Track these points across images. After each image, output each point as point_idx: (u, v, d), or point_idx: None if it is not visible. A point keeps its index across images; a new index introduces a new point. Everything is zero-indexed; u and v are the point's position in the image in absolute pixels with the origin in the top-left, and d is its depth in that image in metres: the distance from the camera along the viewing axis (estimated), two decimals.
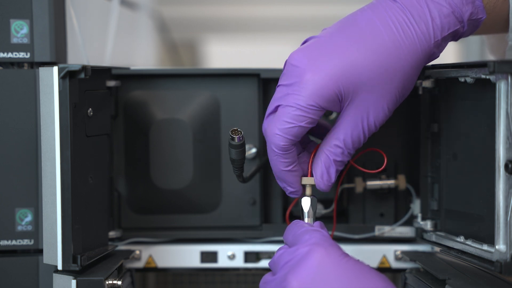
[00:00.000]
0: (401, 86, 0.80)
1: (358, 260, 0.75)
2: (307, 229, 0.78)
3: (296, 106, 0.78)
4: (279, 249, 0.79)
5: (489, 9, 0.83)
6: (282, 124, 0.79)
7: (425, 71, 0.89)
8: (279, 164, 0.81)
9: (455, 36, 0.82)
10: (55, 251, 0.80)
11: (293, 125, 0.79)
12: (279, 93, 0.80)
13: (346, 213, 0.96)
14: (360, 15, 0.81)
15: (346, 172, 0.96)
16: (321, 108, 0.79)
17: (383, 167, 0.87)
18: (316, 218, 0.83)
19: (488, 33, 0.95)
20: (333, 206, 0.93)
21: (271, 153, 0.81)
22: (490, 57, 1.04)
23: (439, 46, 0.81)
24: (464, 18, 0.81)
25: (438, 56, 0.82)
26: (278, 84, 0.81)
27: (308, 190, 0.83)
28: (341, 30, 0.80)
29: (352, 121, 0.80)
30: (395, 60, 0.79)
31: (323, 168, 0.82)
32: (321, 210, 0.95)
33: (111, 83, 0.92)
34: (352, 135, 0.80)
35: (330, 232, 0.93)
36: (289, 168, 0.81)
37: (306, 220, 0.82)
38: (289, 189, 0.83)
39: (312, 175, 0.83)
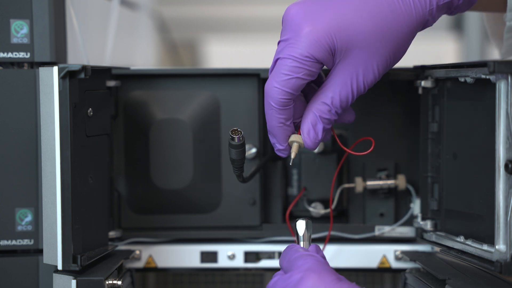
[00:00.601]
0: (394, 50, 0.81)
1: (352, 284, 0.74)
2: (301, 254, 0.77)
3: (292, 58, 0.79)
4: (274, 275, 0.79)
5: None
6: (279, 77, 0.80)
7: (425, 70, 0.89)
8: (274, 119, 0.81)
9: (450, 7, 0.82)
10: (55, 251, 0.80)
11: (290, 76, 0.79)
12: (278, 48, 0.81)
13: (346, 213, 0.96)
14: None
15: (346, 172, 0.96)
16: (316, 60, 0.79)
17: (370, 149, 0.86)
18: (311, 240, 0.82)
19: (486, 11, 0.94)
20: (333, 205, 0.93)
21: (268, 107, 0.81)
22: (491, 45, 1.04)
23: (434, 15, 0.82)
24: None
25: (431, 25, 0.83)
26: (278, 40, 0.82)
27: (295, 148, 0.82)
28: None
29: (342, 79, 0.81)
30: (390, 23, 0.80)
31: (310, 125, 0.82)
32: (321, 210, 0.95)
33: (111, 83, 0.92)
34: (340, 94, 0.81)
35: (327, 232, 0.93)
36: (283, 124, 0.81)
37: (301, 244, 0.81)
38: (277, 146, 0.83)
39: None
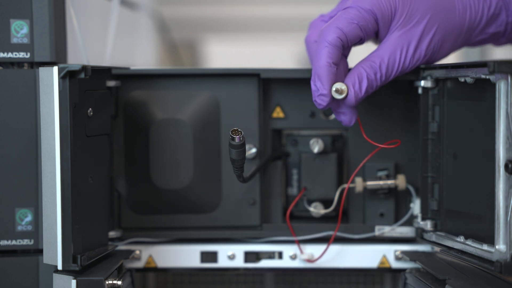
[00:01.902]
0: (445, 37, 0.87)
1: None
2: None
3: (359, 8, 0.85)
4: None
5: None
6: (341, 21, 0.85)
7: (425, 70, 0.89)
8: (324, 58, 0.84)
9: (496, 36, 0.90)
10: (55, 251, 0.80)
11: (352, 22, 0.84)
12: (339, 8, 0.88)
13: (346, 213, 0.96)
14: None
15: (346, 171, 0.96)
16: (375, 16, 0.85)
17: (390, 143, 0.89)
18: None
19: None
20: (334, 206, 0.93)
21: (321, 45, 0.84)
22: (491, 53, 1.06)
23: (480, 34, 0.90)
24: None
25: (475, 44, 0.91)
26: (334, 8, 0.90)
27: (341, 91, 0.85)
28: None
29: (393, 47, 0.86)
30: (452, 8, 0.87)
31: (356, 78, 0.86)
32: (321, 210, 0.95)
33: (111, 83, 0.92)
34: (389, 60, 0.86)
35: (332, 233, 0.93)
36: (331, 64, 0.84)
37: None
38: (321, 90, 0.85)
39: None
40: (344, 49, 0.85)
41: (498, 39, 0.92)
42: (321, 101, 0.85)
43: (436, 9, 0.86)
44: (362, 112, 0.93)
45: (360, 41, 0.87)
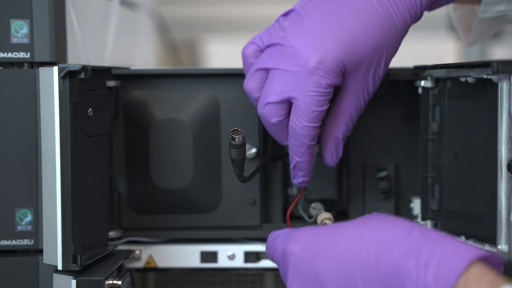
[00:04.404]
0: (393, 54, 0.83)
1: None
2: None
3: (317, 92, 0.80)
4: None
5: None
6: (307, 115, 0.81)
7: (425, 70, 0.89)
8: (308, 154, 0.84)
9: (434, 3, 0.85)
10: (55, 251, 0.80)
11: (318, 111, 0.81)
12: (287, 78, 0.81)
13: (346, 213, 0.96)
14: None
15: (346, 172, 0.96)
16: (334, 85, 0.81)
17: None
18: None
19: (462, 2, 0.96)
20: (334, 207, 0.93)
21: (301, 145, 0.83)
22: (458, 28, 1.05)
23: (422, 13, 0.84)
24: None
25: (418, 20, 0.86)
26: (277, 66, 0.82)
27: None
28: (335, 7, 0.82)
29: (355, 96, 0.83)
30: (391, 33, 0.81)
31: (332, 148, 0.85)
32: (321, 210, 0.94)
33: (111, 83, 0.92)
34: (356, 109, 0.84)
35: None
36: (313, 156, 0.85)
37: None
38: (306, 178, 0.86)
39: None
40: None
41: None
42: (304, 185, 0.88)
43: (381, 36, 0.82)
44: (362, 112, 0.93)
45: None
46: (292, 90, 0.81)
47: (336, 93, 0.84)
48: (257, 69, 0.84)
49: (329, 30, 0.80)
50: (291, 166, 0.86)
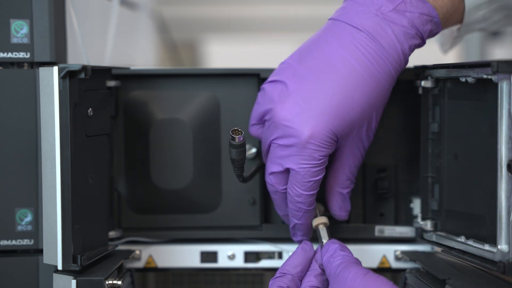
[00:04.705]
0: (382, 107, 0.85)
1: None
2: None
3: (311, 164, 0.83)
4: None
5: (442, 22, 0.86)
6: (303, 185, 0.84)
7: (425, 70, 0.89)
8: (306, 218, 0.87)
9: (419, 46, 0.86)
10: (55, 251, 0.80)
11: (313, 180, 0.84)
12: (283, 151, 0.84)
13: None
14: (331, 51, 0.83)
15: None
16: (328, 154, 0.83)
17: None
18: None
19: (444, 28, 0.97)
20: None
21: (298, 210, 0.86)
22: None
23: (407, 61, 0.86)
24: (425, 36, 0.85)
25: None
26: (273, 140, 0.85)
27: (325, 232, 0.87)
28: (317, 76, 0.83)
29: (351, 153, 0.86)
30: (377, 93, 0.83)
31: (340, 203, 0.88)
32: (322, 210, 0.94)
33: (111, 83, 0.92)
34: (355, 164, 0.88)
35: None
36: (310, 218, 0.88)
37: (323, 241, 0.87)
38: (305, 237, 0.89)
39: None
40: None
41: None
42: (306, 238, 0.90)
43: (368, 97, 0.83)
44: None
45: None
46: (288, 162, 0.84)
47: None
48: (267, 145, 0.87)
49: (316, 102, 0.82)
50: (290, 226, 0.89)
